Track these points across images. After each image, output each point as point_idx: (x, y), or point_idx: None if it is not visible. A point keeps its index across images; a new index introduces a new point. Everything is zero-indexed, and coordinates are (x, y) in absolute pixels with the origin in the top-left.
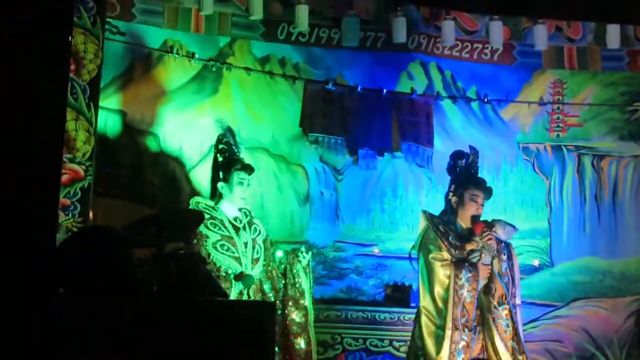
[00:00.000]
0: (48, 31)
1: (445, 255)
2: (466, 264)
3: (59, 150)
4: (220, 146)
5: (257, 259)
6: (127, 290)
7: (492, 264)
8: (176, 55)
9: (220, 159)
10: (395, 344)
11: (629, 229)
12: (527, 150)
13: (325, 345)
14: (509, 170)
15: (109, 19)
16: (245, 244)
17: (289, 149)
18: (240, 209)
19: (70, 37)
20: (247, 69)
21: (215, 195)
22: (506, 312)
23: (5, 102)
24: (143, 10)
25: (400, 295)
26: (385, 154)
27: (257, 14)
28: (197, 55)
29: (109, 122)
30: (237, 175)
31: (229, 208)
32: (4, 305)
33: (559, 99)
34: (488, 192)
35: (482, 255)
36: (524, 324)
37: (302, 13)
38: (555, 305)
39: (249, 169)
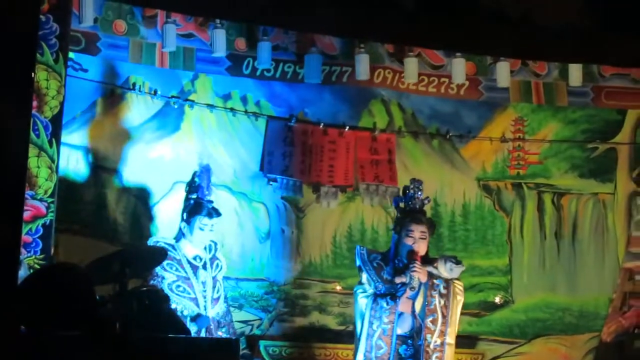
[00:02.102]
0: (10, 67)
1: (367, 288)
2: (388, 296)
3: (21, 187)
4: (192, 185)
5: (218, 298)
6: (90, 329)
7: (414, 298)
8: (138, 92)
9: (189, 198)
10: None
11: (588, 266)
12: (487, 187)
13: None
14: (469, 208)
15: (72, 55)
16: (204, 284)
17: (250, 186)
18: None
19: (32, 74)
20: (210, 106)
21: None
22: (420, 348)
23: None
24: (108, 44)
25: None
26: (347, 191)
27: (220, 51)
28: (159, 92)
29: (71, 158)
30: (200, 221)
31: (188, 247)
32: None
33: (519, 136)
34: (427, 225)
35: (407, 289)
36: None
37: (265, 50)
38: (517, 342)
39: (214, 215)
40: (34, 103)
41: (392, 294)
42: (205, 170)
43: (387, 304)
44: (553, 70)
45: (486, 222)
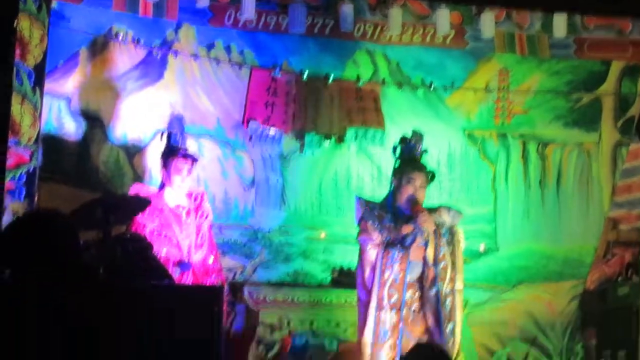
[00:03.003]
0: None
1: (375, 237)
2: (398, 245)
3: (4, 134)
4: (165, 134)
5: (202, 244)
6: (73, 275)
7: (425, 246)
8: (122, 42)
9: (164, 146)
10: (342, 326)
11: (572, 216)
12: (472, 137)
13: (272, 328)
14: (454, 157)
15: (55, 3)
16: (187, 230)
17: (234, 135)
18: (191, 193)
19: (15, 22)
20: (193, 56)
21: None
22: (436, 295)
23: None
24: None
25: (347, 278)
26: (332, 139)
27: (203, 1)
28: (142, 42)
29: (53, 107)
30: (176, 164)
31: (170, 195)
32: None
33: (504, 86)
34: (429, 176)
35: (416, 237)
36: (472, 307)
37: (248, 1)
38: (501, 289)
39: (189, 158)
40: (17, 51)
41: (401, 243)
42: (177, 119)
43: (399, 252)
44: (536, 22)
45: (471, 172)
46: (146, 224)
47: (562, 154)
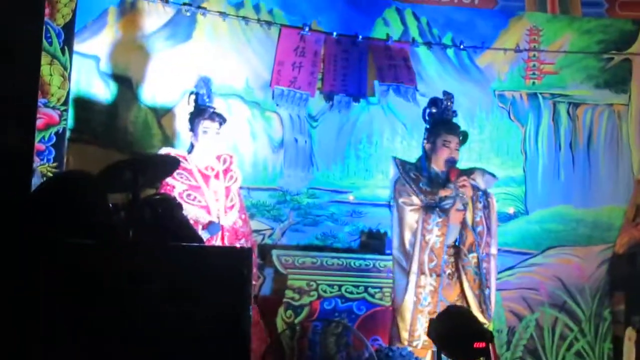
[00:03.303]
0: None
1: (415, 200)
2: (437, 209)
3: (34, 94)
4: (192, 96)
5: (232, 206)
6: (103, 236)
7: (464, 210)
8: (150, 0)
9: (191, 108)
10: (371, 290)
11: (602, 178)
12: (502, 97)
13: (300, 292)
14: (484, 118)
15: None
16: (216, 192)
17: (263, 95)
18: (220, 156)
19: None
20: (222, 14)
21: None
22: (475, 260)
23: None
24: None
25: (376, 242)
26: (361, 100)
27: None
28: (171, 0)
29: (82, 67)
30: (202, 124)
31: (199, 157)
32: None
33: (535, 46)
34: (462, 137)
35: (456, 201)
36: (500, 272)
37: None
38: (531, 253)
39: (216, 119)
40: (46, 10)
41: (439, 206)
42: (204, 80)
43: (439, 216)
44: None
45: (501, 133)
46: (175, 185)
47: (593, 114)
